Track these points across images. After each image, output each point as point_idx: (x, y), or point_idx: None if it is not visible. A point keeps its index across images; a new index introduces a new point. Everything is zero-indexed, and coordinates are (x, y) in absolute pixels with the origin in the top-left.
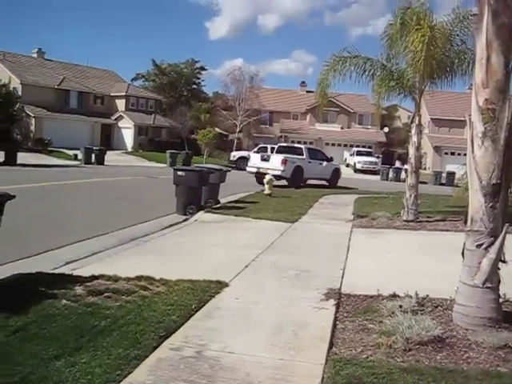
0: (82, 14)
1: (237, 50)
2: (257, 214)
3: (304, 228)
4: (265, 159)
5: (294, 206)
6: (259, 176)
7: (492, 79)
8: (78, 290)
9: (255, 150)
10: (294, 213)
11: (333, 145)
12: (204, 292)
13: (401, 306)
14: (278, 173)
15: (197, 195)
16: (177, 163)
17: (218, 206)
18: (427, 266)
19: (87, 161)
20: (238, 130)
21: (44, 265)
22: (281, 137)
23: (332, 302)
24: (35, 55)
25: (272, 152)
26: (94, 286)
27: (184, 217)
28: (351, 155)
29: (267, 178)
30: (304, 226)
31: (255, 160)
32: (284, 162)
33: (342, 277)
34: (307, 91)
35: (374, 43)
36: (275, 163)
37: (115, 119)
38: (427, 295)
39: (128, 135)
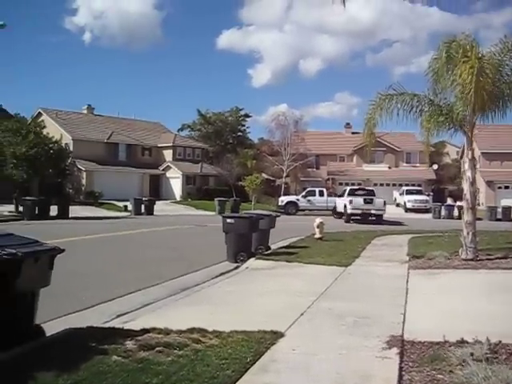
0: (128, 68)
1: (280, 96)
2: (309, 258)
3: (359, 271)
4: (368, 202)
5: (347, 249)
6: (363, 215)
7: None
8: (129, 344)
9: (303, 193)
10: (347, 256)
11: (381, 185)
12: (259, 343)
13: (472, 354)
14: (381, 212)
15: (247, 242)
16: (225, 210)
17: (269, 252)
18: (494, 307)
19: (137, 212)
20: (284, 174)
21: (95, 318)
22: (328, 179)
23: (395, 350)
24: (85, 111)
25: (322, 195)
26: (145, 340)
27: (235, 264)
28: (401, 194)
29: (317, 221)
30: (358, 269)
31: (359, 203)
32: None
33: (404, 322)
34: (352, 132)
35: (418, 81)
36: (379, 205)
37: (163, 169)
38: (500, 341)
39: (176, 185)
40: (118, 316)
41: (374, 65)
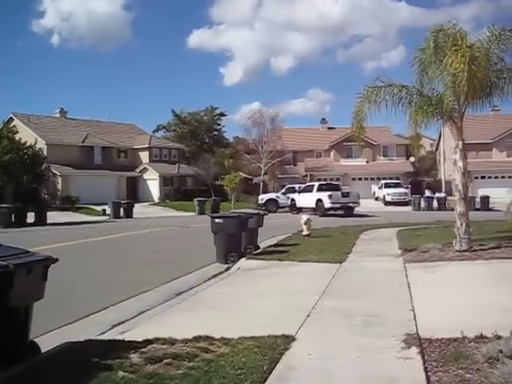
0: (99, 70)
1: (253, 94)
2: (301, 256)
3: (355, 267)
4: (345, 196)
5: (337, 245)
6: (344, 208)
7: None
8: (134, 357)
9: (283, 191)
10: (339, 252)
11: (359, 179)
12: (272, 350)
13: (501, 351)
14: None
15: (237, 242)
16: (205, 211)
17: (259, 251)
18: (502, 298)
19: (116, 215)
20: (262, 172)
21: (91, 329)
22: (306, 176)
23: (415, 349)
24: (58, 115)
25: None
26: (150, 352)
27: (226, 265)
28: (379, 188)
29: (304, 218)
30: (354, 265)
31: (337, 196)
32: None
33: (415, 319)
34: (328, 128)
35: (390, 75)
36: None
37: (140, 171)
38: None
39: (154, 186)
40: (114, 326)
41: (345, 60)
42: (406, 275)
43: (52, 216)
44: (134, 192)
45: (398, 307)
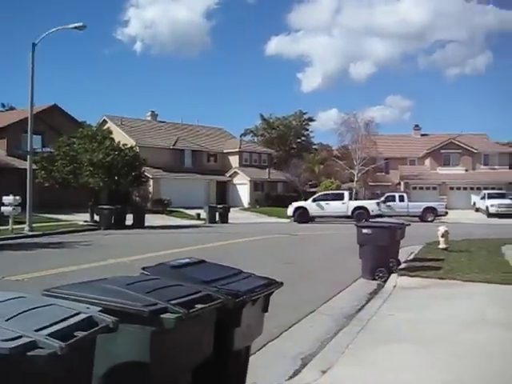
0: (181, 75)
1: (330, 100)
2: (462, 274)
3: None
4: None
5: (491, 261)
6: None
7: None
8: None
9: (382, 199)
10: (503, 270)
11: (458, 189)
12: None
13: None
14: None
15: (386, 256)
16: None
17: (402, 266)
18: None
19: (212, 220)
20: (355, 179)
21: (279, 364)
22: (399, 183)
23: None
24: (149, 118)
25: (402, 200)
26: None
27: (375, 282)
28: (482, 198)
29: (441, 230)
30: None
31: (382, 205)
32: None
33: None
34: (422, 134)
35: (475, 81)
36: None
37: (230, 176)
38: None
39: (244, 191)
40: (305, 361)
41: (426, 67)
42: None
43: (147, 219)
44: (223, 196)
45: None
